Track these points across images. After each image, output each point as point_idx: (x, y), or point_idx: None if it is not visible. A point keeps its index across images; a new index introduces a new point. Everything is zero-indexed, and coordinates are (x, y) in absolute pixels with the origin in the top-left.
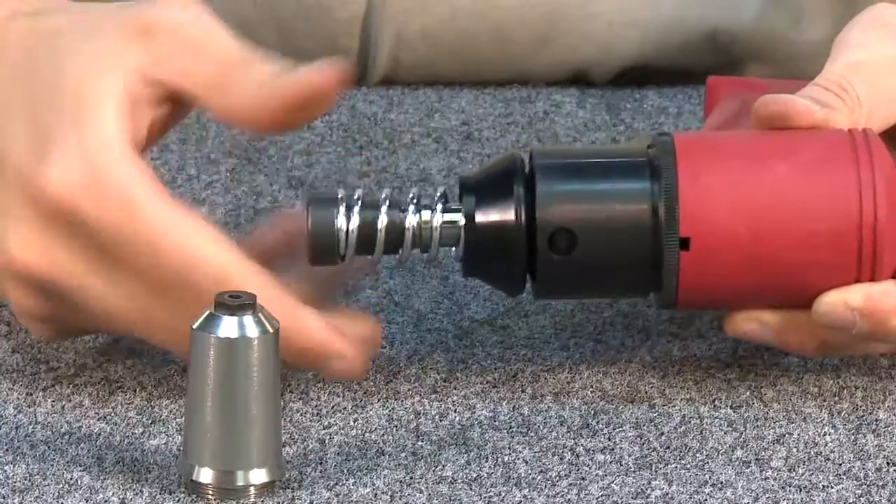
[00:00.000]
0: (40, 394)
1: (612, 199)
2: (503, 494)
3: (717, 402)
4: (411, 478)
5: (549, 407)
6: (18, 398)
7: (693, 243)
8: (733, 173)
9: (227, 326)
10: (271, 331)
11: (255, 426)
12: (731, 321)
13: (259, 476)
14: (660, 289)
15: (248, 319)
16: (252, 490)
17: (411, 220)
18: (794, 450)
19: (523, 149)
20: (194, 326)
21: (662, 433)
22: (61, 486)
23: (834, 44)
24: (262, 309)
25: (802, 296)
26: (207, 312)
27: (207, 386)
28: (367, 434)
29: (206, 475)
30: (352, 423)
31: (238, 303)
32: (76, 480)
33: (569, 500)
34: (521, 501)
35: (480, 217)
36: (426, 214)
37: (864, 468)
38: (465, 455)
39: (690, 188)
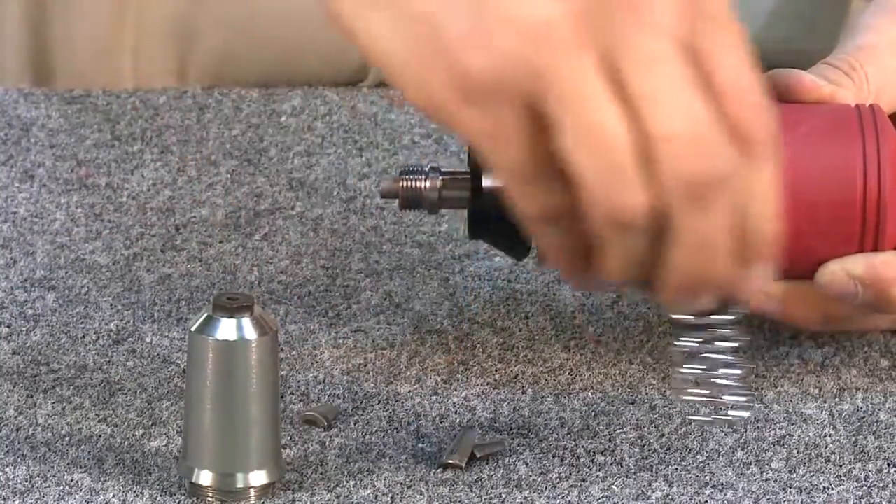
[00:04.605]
0: (41, 395)
1: None
2: (504, 496)
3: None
4: (412, 480)
5: (549, 408)
6: (19, 400)
7: None
8: None
9: (225, 329)
10: (269, 332)
11: (255, 428)
12: None
13: (259, 478)
14: None
15: (246, 322)
16: (252, 492)
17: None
18: (795, 451)
19: None
20: (192, 329)
21: (663, 434)
22: (62, 487)
23: (845, 27)
24: (261, 310)
25: (806, 266)
26: (205, 315)
27: (206, 388)
28: (367, 436)
29: (205, 478)
30: (352, 426)
31: (236, 305)
32: (77, 482)
33: (569, 501)
34: (521, 503)
35: (487, 180)
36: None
37: (864, 469)
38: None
39: None
